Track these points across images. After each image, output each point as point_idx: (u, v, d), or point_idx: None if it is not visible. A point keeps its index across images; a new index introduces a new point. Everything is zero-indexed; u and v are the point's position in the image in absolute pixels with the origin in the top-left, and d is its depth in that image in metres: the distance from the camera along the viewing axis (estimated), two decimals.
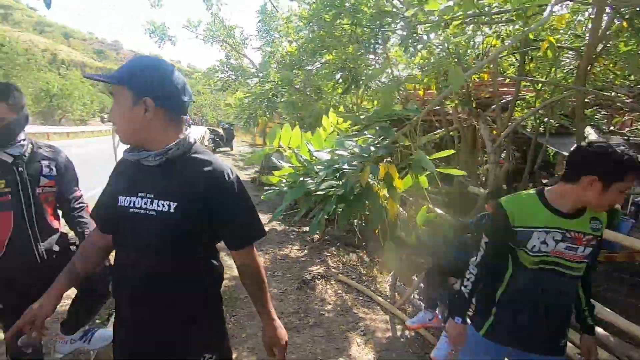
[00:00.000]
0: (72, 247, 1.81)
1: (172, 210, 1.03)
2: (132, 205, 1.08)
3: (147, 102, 1.01)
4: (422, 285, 3.52)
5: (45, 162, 1.68)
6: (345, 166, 1.01)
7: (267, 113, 4.99)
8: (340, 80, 4.08)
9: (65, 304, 2.88)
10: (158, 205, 1.05)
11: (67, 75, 32.63)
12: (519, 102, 3.96)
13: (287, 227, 5.91)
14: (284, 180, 1.25)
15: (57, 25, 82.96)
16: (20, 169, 1.57)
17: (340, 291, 3.75)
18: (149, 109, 1.02)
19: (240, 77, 4.78)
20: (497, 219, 1.39)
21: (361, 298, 3.64)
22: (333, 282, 3.92)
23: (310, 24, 4.34)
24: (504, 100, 3.74)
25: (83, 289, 1.86)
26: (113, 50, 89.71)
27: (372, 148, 1.00)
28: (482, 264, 1.43)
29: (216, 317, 1.22)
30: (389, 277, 4.19)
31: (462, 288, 1.48)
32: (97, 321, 2.11)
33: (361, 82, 3.72)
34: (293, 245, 5.10)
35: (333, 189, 1.05)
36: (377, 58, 4.91)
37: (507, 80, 4.02)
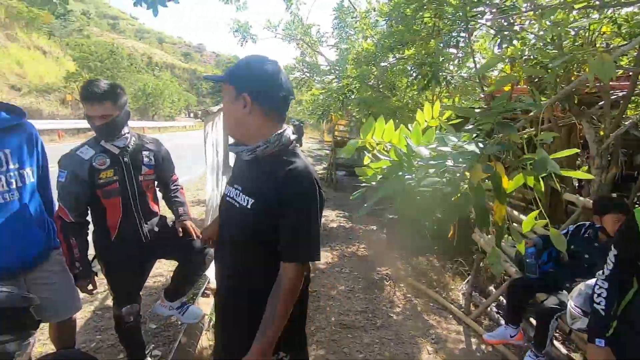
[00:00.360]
0: (169, 228, 2.00)
1: (249, 206, 1.09)
2: (228, 194, 1.19)
3: (245, 97, 1.06)
4: (503, 298, 3.24)
5: (145, 153, 1.85)
6: (450, 162, 0.93)
7: (341, 110, 5.01)
8: (419, 76, 3.91)
9: (167, 277, 3.23)
10: (242, 199, 1.12)
11: (159, 76, 36.59)
12: (634, 97, 3.39)
13: (354, 225, 5.89)
14: (374, 176, 1.22)
15: (153, 32, 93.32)
16: (125, 159, 1.74)
17: (409, 295, 3.63)
18: (247, 104, 1.06)
19: (314, 75, 4.88)
20: (629, 231, 1.25)
21: (432, 304, 3.48)
22: (402, 285, 3.81)
23: (389, 19, 4.23)
24: (614, 97, 3.23)
25: (181, 259, 2.03)
26: (197, 52, 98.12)
27: (481, 144, 0.91)
28: (611, 277, 1.31)
29: (297, 317, 1.16)
30: (463, 285, 3.93)
31: (595, 305, 1.35)
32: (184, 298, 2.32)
33: (442, 78, 3.51)
34: (360, 244, 5.07)
35: (435, 187, 0.98)
36: (458, 52, 4.61)
37: (620, 73, 3.46)
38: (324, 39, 5.71)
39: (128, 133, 1.78)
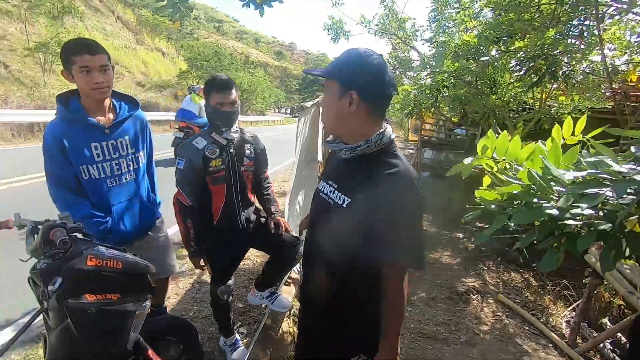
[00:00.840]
0: (262, 219, 2.11)
1: (344, 205, 1.05)
2: (322, 189, 1.17)
3: (352, 95, 1.02)
4: (622, 335, 2.73)
5: (247, 146, 1.99)
6: (608, 192, 0.76)
7: (433, 107, 4.72)
8: (529, 71, 3.45)
9: (254, 261, 3.47)
10: (337, 197, 1.09)
11: (254, 73, 39.36)
12: None
13: (439, 230, 5.55)
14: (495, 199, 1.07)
15: (251, 33, 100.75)
16: (231, 150, 1.89)
17: (499, 313, 3.28)
18: (353, 102, 1.02)
19: (406, 70, 4.67)
20: None
21: (527, 328, 3.09)
22: (491, 301, 3.47)
23: (497, 8, 3.82)
24: None
25: (274, 253, 2.15)
26: (289, 51, 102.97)
27: None
28: None
29: (376, 320, 1.11)
30: (568, 312, 3.41)
31: None
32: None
33: (559, 73, 3.02)
34: (444, 251, 4.76)
35: (589, 221, 0.81)
36: (580, 43, 3.96)
37: None
38: (419, 33, 5.43)
39: (237, 126, 1.94)
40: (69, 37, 14.21)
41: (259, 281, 2.25)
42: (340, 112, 1.06)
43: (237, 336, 2.22)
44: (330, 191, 1.13)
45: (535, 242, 1.00)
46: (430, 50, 5.41)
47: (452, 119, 7.68)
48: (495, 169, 1.17)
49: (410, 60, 5.44)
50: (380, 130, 1.07)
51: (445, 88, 3.82)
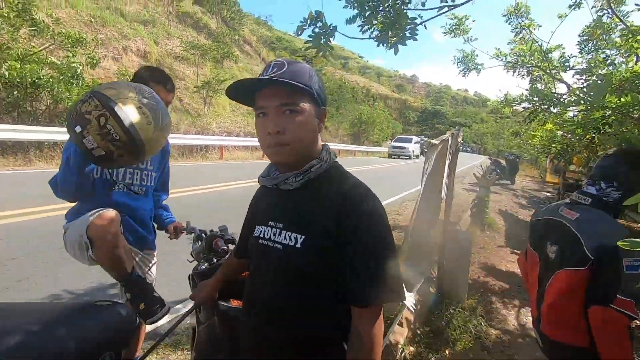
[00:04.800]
0: None
1: (298, 245, 0.85)
2: (261, 235, 0.95)
3: (323, 111, 0.93)
4: None
5: None
6: None
7: (587, 148, 4.02)
8: None
9: None
10: (285, 238, 0.89)
11: (374, 106, 40.61)
12: None
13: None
14: None
15: (373, 67, 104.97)
16: None
17: None
18: (322, 120, 0.93)
19: (549, 106, 4.09)
20: None
21: None
22: None
23: None
24: None
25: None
26: (410, 84, 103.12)
27: None
28: None
29: None
30: None
31: None
32: None
33: None
34: None
35: None
36: None
37: None
38: (568, 64, 4.78)
39: None
40: (226, 76, 17.35)
41: None
42: (314, 134, 0.91)
43: None
44: (275, 234, 0.91)
45: None
46: (582, 83, 4.68)
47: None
48: None
49: (555, 94, 4.80)
50: (321, 144, 0.96)
51: (607, 126, 3.19)
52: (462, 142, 3.32)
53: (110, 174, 1.52)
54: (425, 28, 2.47)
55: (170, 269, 3.11)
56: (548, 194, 12.35)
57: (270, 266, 0.91)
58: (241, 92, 0.91)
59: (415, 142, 27.15)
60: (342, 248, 0.83)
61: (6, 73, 7.68)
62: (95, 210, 1.36)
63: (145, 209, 1.68)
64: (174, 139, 12.04)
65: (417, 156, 25.78)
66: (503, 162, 14.96)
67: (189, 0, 24.22)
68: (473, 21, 4.14)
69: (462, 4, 2.29)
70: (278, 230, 0.90)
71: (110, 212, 1.35)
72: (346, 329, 0.86)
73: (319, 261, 0.84)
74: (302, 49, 2.58)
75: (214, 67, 19.64)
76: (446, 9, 2.52)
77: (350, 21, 2.45)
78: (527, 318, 3.36)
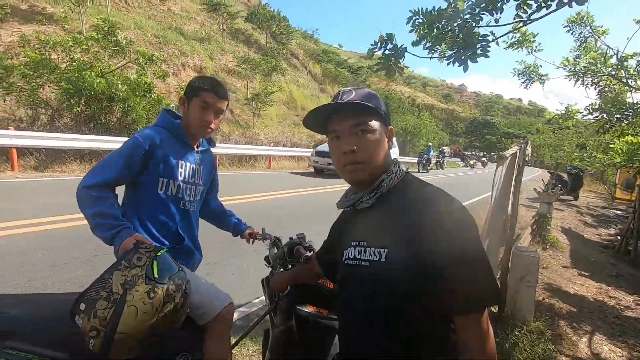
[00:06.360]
0: None
1: (383, 258, 0.85)
2: (349, 256, 0.95)
3: (391, 131, 0.99)
4: None
5: None
6: None
7: None
8: None
9: None
10: (370, 254, 0.88)
11: (420, 116, 39.74)
12: None
13: None
14: None
15: (419, 77, 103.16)
16: None
17: None
18: (390, 138, 0.98)
19: (628, 117, 3.75)
20: None
21: None
22: None
23: None
24: None
25: None
26: (457, 93, 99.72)
27: None
28: None
29: None
30: None
31: None
32: None
33: None
34: None
35: None
36: None
37: None
38: None
39: None
40: (274, 89, 18.02)
41: None
42: (385, 151, 0.96)
43: None
44: (359, 252, 0.91)
45: None
46: None
47: None
48: None
49: (631, 103, 4.42)
50: (394, 160, 0.99)
51: None
52: (529, 155, 3.16)
53: (177, 191, 1.52)
54: (498, 45, 2.42)
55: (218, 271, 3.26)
56: (619, 212, 11.21)
57: (361, 284, 0.90)
58: (314, 120, 0.98)
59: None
60: (428, 256, 0.78)
61: (95, 84, 8.57)
62: (226, 299, 1.45)
63: (196, 223, 1.68)
64: (225, 149, 12.68)
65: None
66: (565, 176, 13.88)
67: (241, 17, 25.61)
68: (536, 35, 3.95)
69: (539, 18, 2.21)
70: (362, 249, 0.91)
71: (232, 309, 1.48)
72: (445, 339, 0.84)
73: (405, 272, 0.81)
74: (372, 70, 2.64)
75: (262, 80, 20.47)
76: (521, 24, 2.45)
77: (416, 43, 2.44)
78: (603, 347, 3.07)
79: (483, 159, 38.45)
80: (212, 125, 1.55)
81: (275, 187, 9.09)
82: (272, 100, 18.78)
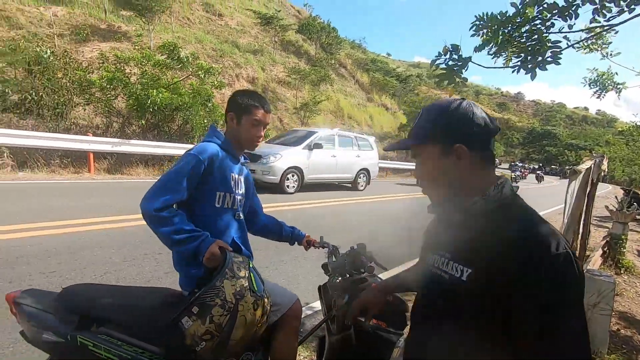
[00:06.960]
0: None
1: (464, 277, 0.83)
2: (433, 263, 0.96)
3: (459, 149, 0.88)
4: None
5: None
6: None
7: None
8: None
9: None
10: (452, 268, 0.87)
11: None
12: None
13: None
14: None
15: (471, 85, 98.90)
16: None
17: None
18: (462, 156, 0.88)
19: None
20: None
21: None
22: None
23: None
24: None
25: None
26: (514, 102, 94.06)
27: None
28: None
29: None
30: None
31: None
32: None
33: None
34: None
35: None
36: None
37: None
38: None
39: None
40: (322, 98, 18.29)
41: None
42: (448, 174, 0.91)
43: None
44: (443, 262, 0.91)
45: None
46: None
47: None
48: None
49: None
50: (500, 182, 0.90)
51: None
52: (605, 170, 2.90)
53: (232, 203, 1.58)
54: (574, 49, 2.26)
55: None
56: None
57: (439, 295, 0.91)
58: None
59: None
60: (511, 294, 0.73)
61: (158, 100, 9.38)
62: (293, 297, 1.58)
63: (246, 231, 1.73)
64: None
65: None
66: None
67: (292, 29, 26.45)
68: (616, 33, 3.61)
69: (619, 24, 2.04)
70: (446, 261, 0.90)
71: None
72: None
73: (483, 298, 0.77)
74: (435, 82, 2.60)
75: (311, 90, 20.90)
76: (598, 29, 2.27)
77: (479, 48, 2.37)
78: None
79: (538, 171, 32.16)
80: (261, 140, 1.64)
81: (321, 196, 9.19)
82: (320, 109, 19.07)
